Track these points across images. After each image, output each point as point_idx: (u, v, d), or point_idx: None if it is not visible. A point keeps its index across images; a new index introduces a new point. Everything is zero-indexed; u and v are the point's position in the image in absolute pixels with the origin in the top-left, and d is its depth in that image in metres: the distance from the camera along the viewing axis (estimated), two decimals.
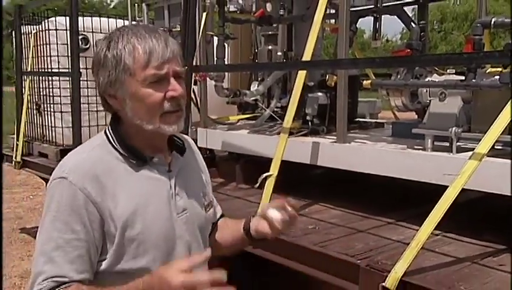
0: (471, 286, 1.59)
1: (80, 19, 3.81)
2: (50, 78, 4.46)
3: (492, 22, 2.21)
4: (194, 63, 2.86)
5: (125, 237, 1.12)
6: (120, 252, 1.13)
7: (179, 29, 3.38)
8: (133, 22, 4.25)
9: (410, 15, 3.29)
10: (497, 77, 2.08)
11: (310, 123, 2.90)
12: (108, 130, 1.21)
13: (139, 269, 1.13)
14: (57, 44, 4.32)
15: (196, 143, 3.16)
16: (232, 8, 3.40)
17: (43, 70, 4.55)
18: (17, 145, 4.73)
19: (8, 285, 4.13)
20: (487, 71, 2.26)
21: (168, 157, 1.25)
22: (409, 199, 2.46)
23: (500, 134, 1.69)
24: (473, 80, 2.13)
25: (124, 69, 1.11)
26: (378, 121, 3.48)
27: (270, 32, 3.36)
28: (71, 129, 3.95)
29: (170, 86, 1.13)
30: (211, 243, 1.40)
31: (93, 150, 1.18)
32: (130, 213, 1.12)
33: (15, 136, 4.92)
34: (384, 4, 2.93)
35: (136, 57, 1.10)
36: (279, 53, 3.27)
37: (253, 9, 3.55)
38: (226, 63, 3.65)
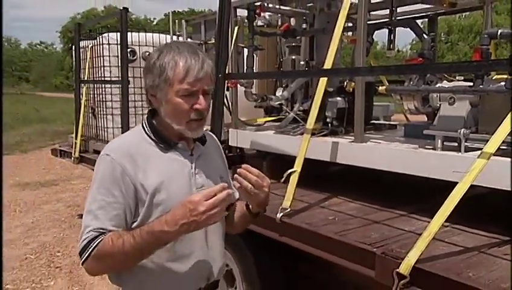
0: (479, 273, 1.54)
1: (129, 34, 3.87)
2: (103, 85, 4.55)
3: (498, 33, 2.14)
4: (226, 71, 2.86)
5: (154, 201, 1.24)
6: (148, 213, 1.24)
7: (213, 41, 3.40)
8: (174, 37, 4.28)
9: None
10: (503, 83, 2.01)
11: (329, 125, 2.86)
12: (145, 122, 1.34)
13: None
14: (109, 56, 4.41)
15: (228, 142, 3.20)
16: (260, 23, 3.41)
17: (97, 79, 4.64)
18: (75, 143, 4.84)
19: (67, 263, 4.24)
20: (493, 78, 2.19)
21: (191, 145, 1.36)
22: (420, 194, 2.40)
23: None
24: (481, 86, 2.06)
25: (164, 79, 1.23)
26: (391, 123, 3.40)
27: (293, 44, 3.34)
28: (120, 129, 4.02)
29: (198, 100, 1.25)
30: (229, 219, 1.48)
31: (131, 136, 1.35)
32: (158, 184, 1.24)
33: (74, 135, 5.05)
34: (398, 18, 2.86)
35: (176, 71, 1.22)
36: (301, 62, 3.24)
37: (279, 23, 3.54)
38: (254, 71, 3.64)
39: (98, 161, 1.29)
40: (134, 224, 1.25)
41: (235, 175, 1.28)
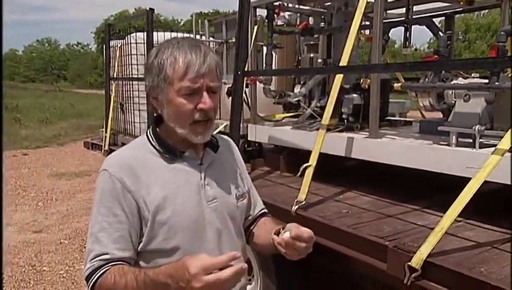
0: (491, 268, 1.48)
1: (155, 34, 3.88)
2: (131, 82, 4.59)
3: None
4: (246, 69, 2.83)
5: (156, 220, 1.09)
6: (153, 234, 1.10)
7: (234, 40, 3.37)
8: (197, 36, 4.28)
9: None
10: None
11: (345, 121, 2.80)
12: (149, 130, 1.19)
13: (171, 249, 1.10)
14: (137, 54, 4.44)
15: (247, 137, 3.19)
16: (279, 22, 3.36)
17: (125, 76, 4.69)
18: (105, 137, 4.92)
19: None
20: (509, 75, 2.10)
21: (201, 152, 1.20)
22: (433, 189, 2.33)
23: None
24: (496, 83, 1.98)
25: (164, 78, 1.08)
26: (406, 119, 3.31)
27: (312, 42, 3.28)
28: (146, 124, 4.06)
29: (202, 98, 1.08)
30: (247, 235, 1.33)
31: (133, 148, 1.18)
32: (161, 199, 1.09)
33: (103, 129, 5.13)
34: (414, 16, 2.77)
35: (175, 69, 1.07)
36: (319, 60, 3.19)
37: (297, 22, 3.49)
38: (273, 68, 3.60)
39: (98, 177, 1.14)
40: (140, 245, 1.11)
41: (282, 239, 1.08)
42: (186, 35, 4.68)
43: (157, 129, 1.18)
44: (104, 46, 5.19)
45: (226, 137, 1.38)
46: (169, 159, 1.14)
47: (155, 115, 1.20)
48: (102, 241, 1.07)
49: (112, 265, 1.06)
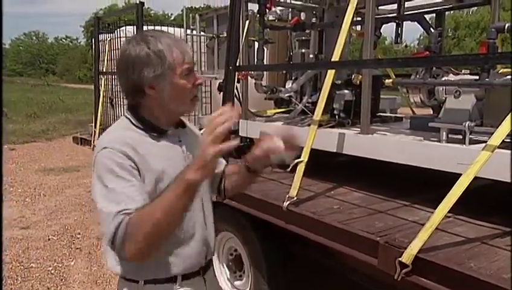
0: (480, 263, 1.49)
1: (145, 28, 3.83)
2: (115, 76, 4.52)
3: (506, 27, 2.06)
4: (237, 64, 2.81)
5: (157, 189, 1.18)
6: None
7: (225, 35, 3.34)
8: (188, 30, 4.23)
9: None
10: (509, 77, 1.94)
11: (337, 117, 2.80)
12: (128, 115, 1.27)
13: None
14: None
15: (238, 132, 3.17)
16: (271, 17, 3.35)
17: (115, 70, 4.63)
18: (94, 132, 4.87)
19: (87, 244, 4.28)
20: (499, 72, 2.11)
21: (176, 130, 1.32)
22: (423, 185, 2.34)
23: None
24: (486, 79, 1.99)
25: (168, 66, 1.19)
26: (397, 115, 3.32)
27: (303, 38, 3.27)
28: None
29: (194, 76, 1.25)
30: (223, 191, 1.50)
31: (121, 129, 1.25)
32: (160, 171, 1.20)
33: (93, 124, 5.07)
34: (406, 12, 2.77)
35: (174, 55, 1.19)
36: (311, 56, 3.18)
37: (289, 17, 3.47)
38: (264, 64, 3.59)
39: (96, 158, 1.17)
40: None
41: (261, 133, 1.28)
42: (177, 29, 4.63)
43: (136, 114, 1.27)
44: (93, 40, 5.11)
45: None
46: (156, 137, 1.25)
47: (131, 105, 1.28)
48: (122, 201, 1.09)
49: (132, 213, 1.09)
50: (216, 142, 1.01)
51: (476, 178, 1.56)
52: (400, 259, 1.53)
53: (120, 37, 4.43)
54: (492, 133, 1.60)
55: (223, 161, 1.52)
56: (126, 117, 1.28)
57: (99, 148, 1.18)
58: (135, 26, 3.67)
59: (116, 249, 1.10)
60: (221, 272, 3.02)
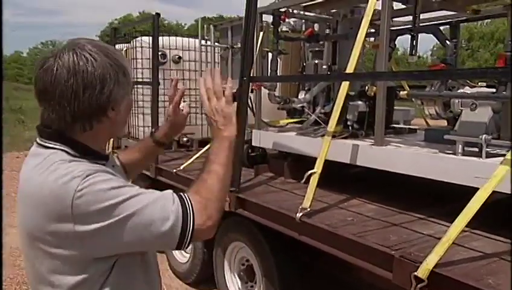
0: (498, 279, 1.46)
1: (160, 38, 3.88)
2: (136, 86, 4.59)
3: None
4: (251, 74, 2.83)
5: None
6: None
7: (239, 46, 3.37)
8: (202, 41, 4.28)
9: None
10: None
11: (350, 128, 2.79)
12: (62, 146, 0.99)
13: None
14: (142, 59, 4.44)
15: (251, 142, 3.18)
16: (284, 28, 3.36)
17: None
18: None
19: None
20: None
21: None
22: (439, 198, 2.32)
23: None
24: (504, 92, 1.96)
25: (130, 83, 1.06)
26: (411, 127, 3.29)
27: (317, 49, 3.28)
28: (150, 127, 4.05)
29: None
30: (135, 159, 1.44)
31: (73, 164, 0.97)
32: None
33: None
34: (421, 24, 2.76)
35: (128, 73, 1.05)
36: (324, 66, 3.18)
37: (303, 29, 3.48)
38: (278, 74, 3.60)
39: (80, 198, 0.90)
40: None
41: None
42: (191, 39, 4.69)
43: (78, 144, 1.01)
44: None
45: None
46: (104, 164, 1.05)
47: (56, 134, 1.00)
48: (159, 200, 0.98)
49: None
50: (230, 102, 1.18)
51: (493, 192, 1.54)
52: (415, 273, 1.50)
53: (136, 47, 4.50)
54: (510, 147, 1.58)
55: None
56: (61, 150, 0.98)
57: (75, 185, 0.90)
58: (151, 37, 3.72)
59: (194, 225, 0.98)
60: (232, 282, 3.00)
